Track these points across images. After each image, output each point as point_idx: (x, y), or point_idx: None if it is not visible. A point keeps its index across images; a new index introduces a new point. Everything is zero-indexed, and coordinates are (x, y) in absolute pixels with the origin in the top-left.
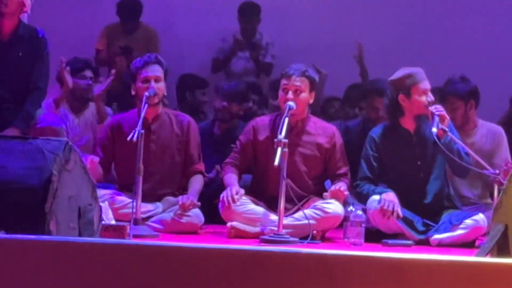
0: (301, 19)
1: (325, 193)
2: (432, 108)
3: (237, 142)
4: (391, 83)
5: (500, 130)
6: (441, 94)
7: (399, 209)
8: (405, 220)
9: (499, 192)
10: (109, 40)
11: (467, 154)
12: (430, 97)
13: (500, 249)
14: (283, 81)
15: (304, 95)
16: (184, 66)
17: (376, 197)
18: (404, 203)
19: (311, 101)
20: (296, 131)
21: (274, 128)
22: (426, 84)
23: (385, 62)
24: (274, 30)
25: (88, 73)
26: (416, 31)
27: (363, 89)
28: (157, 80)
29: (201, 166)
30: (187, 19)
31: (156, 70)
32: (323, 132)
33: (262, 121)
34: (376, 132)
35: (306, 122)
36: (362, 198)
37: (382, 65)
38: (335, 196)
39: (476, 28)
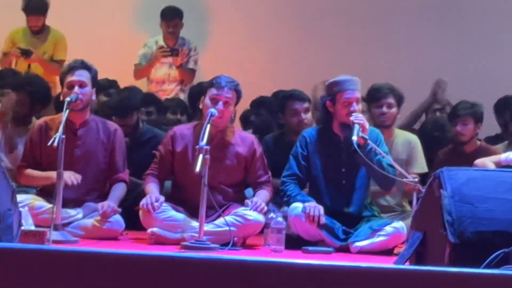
0: (226, 24)
1: (246, 200)
2: (352, 117)
3: (156, 153)
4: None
5: (414, 139)
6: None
7: (322, 217)
8: (326, 227)
9: (417, 200)
10: (15, 43)
11: (391, 166)
12: (354, 107)
13: (419, 256)
14: (214, 91)
15: (232, 108)
16: (103, 73)
17: (297, 204)
18: (327, 208)
19: (233, 115)
20: (216, 141)
21: (193, 138)
22: (351, 94)
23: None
24: (198, 36)
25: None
26: (353, 40)
27: (281, 96)
28: (81, 85)
29: (124, 175)
30: (105, 23)
31: (81, 75)
32: (242, 142)
33: (180, 130)
34: (308, 132)
35: (225, 132)
36: (285, 198)
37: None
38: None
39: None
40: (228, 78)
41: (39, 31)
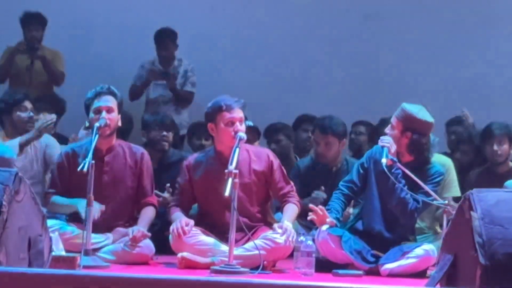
0: (225, 45)
1: (275, 225)
2: (379, 140)
3: (176, 184)
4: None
5: (449, 162)
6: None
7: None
8: (354, 251)
9: (448, 223)
10: (12, 57)
11: (415, 200)
12: (387, 129)
13: (450, 278)
14: (227, 115)
15: (244, 125)
16: None
17: (324, 227)
18: (365, 228)
19: None
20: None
21: (208, 164)
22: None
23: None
24: (197, 57)
25: (28, 104)
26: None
27: (315, 122)
28: (109, 110)
29: (153, 199)
30: (104, 45)
31: (108, 101)
32: (257, 157)
33: (194, 159)
34: (378, 148)
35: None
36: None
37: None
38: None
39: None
40: (231, 98)
41: (36, 46)
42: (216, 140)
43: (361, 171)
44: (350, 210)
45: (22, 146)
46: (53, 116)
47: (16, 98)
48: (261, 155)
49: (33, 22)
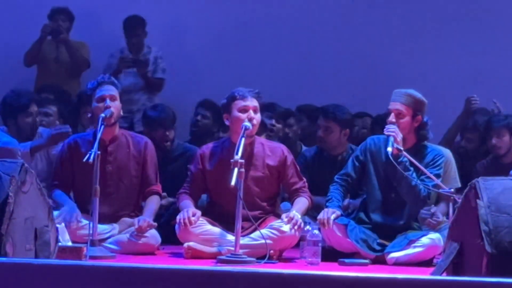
0: (195, 32)
1: (283, 215)
2: (384, 129)
3: (188, 172)
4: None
5: (448, 154)
6: None
7: (330, 220)
8: (360, 240)
9: (454, 211)
10: (40, 41)
11: (427, 188)
12: (392, 117)
13: (456, 267)
14: (241, 102)
15: (259, 115)
16: None
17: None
18: (371, 218)
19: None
20: (246, 154)
21: (222, 154)
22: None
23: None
24: (168, 43)
25: (34, 108)
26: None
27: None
28: (112, 99)
29: (157, 187)
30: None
31: (111, 90)
32: (271, 152)
33: (209, 148)
34: (373, 139)
35: (253, 144)
36: (326, 198)
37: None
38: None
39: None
40: (246, 88)
41: (60, 29)
42: (231, 131)
43: (357, 163)
44: (345, 202)
45: (32, 152)
46: (68, 127)
47: (21, 103)
48: (275, 150)
49: (61, 14)
